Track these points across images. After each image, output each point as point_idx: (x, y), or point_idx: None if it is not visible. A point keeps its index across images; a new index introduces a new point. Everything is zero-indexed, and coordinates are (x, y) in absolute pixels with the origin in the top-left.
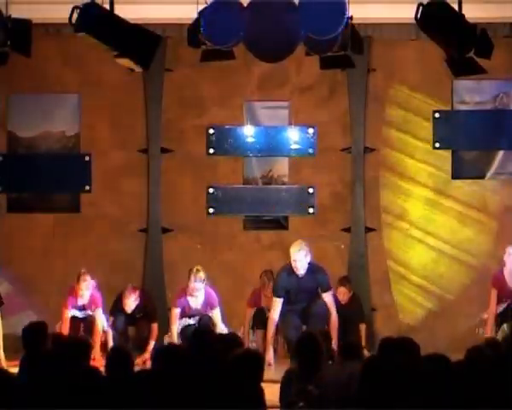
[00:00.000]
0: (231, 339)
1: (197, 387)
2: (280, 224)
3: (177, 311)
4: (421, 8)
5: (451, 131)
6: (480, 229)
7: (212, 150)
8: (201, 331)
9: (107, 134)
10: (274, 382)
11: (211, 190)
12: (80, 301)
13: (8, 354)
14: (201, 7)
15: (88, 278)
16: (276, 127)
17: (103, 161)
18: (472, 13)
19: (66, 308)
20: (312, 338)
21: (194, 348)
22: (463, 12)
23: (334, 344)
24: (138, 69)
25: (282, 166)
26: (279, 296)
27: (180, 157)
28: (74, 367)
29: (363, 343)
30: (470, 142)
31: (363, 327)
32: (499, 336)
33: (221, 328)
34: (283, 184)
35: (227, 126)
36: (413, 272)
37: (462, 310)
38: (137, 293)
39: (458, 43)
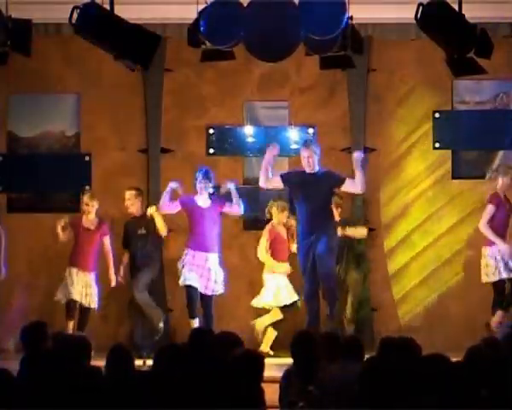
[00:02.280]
0: (231, 339)
1: (197, 387)
2: None
3: (175, 202)
4: (421, 8)
5: (451, 131)
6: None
7: (212, 150)
8: (201, 331)
9: (107, 134)
10: (274, 382)
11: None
12: (87, 223)
13: (8, 354)
14: (201, 7)
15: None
16: (276, 127)
17: (103, 161)
18: (472, 13)
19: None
20: (308, 338)
21: (194, 347)
22: (463, 12)
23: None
24: (138, 69)
25: (282, 167)
26: (280, 175)
27: (180, 157)
28: (74, 366)
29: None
30: (470, 142)
31: None
32: (499, 336)
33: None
34: None
35: (227, 126)
36: (413, 272)
37: (462, 310)
38: (134, 191)
39: (458, 43)
